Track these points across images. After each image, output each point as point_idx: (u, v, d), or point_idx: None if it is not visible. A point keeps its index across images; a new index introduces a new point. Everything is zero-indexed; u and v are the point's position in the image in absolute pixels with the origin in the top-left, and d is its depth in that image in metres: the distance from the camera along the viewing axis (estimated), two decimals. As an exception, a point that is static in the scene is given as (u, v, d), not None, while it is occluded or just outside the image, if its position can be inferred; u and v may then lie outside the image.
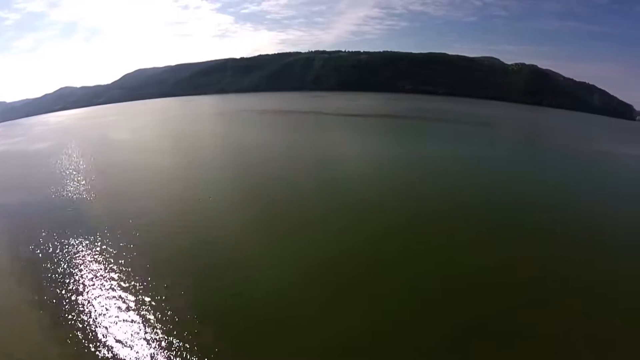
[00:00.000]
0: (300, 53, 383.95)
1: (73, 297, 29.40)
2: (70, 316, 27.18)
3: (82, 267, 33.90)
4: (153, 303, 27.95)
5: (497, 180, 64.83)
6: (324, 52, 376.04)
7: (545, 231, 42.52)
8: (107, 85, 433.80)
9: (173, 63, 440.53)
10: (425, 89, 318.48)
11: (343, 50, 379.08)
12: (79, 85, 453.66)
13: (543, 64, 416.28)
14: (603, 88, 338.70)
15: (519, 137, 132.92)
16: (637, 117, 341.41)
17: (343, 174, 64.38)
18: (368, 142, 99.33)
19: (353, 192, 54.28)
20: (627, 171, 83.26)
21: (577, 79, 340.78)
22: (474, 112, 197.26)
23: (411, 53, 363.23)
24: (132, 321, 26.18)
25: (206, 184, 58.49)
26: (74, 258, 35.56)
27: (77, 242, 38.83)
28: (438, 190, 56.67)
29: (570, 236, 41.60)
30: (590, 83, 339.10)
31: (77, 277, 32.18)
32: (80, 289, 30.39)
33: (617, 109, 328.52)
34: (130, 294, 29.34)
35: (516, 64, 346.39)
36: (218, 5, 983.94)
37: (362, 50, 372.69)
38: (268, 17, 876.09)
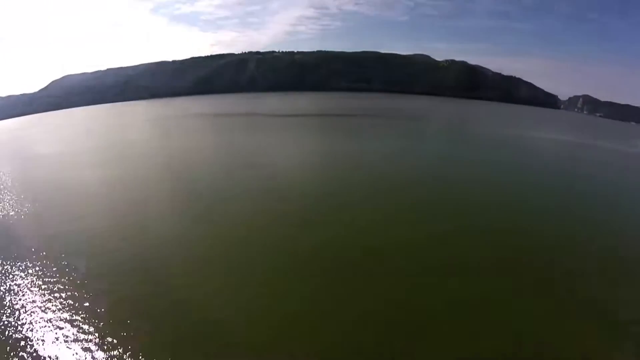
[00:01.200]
0: (233, 54, 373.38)
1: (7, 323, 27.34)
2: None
3: (16, 291, 31.24)
4: (93, 328, 26.23)
5: (429, 172, 69.07)
6: (257, 52, 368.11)
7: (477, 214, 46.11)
8: (34, 93, 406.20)
9: (103, 67, 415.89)
10: (360, 86, 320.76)
11: (277, 50, 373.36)
12: (4, 95, 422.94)
13: (472, 60, 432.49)
14: (529, 81, 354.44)
15: (449, 127, 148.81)
16: (562, 106, 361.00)
17: (280, 177, 62.74)
18: (306, 142, 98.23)
19: (294, 195, 52.96)
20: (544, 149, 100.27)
21: (504, 74, 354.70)
22: (407, 107, 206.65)
23: (345, 52, 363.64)
24: (72, 350, 24.37)
25: (142, 197, 54.52)
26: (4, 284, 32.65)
27: (8, 267, 35.27)
28: (386, 185, 58.32)
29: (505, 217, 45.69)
30: (517, 77, 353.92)
31: (11, 303, 29.74)
32: (16, 315, 28.13)
33: (543, 100, 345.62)
34: (70, 320, 27.09)
35: (446, 60, 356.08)
36: (151, 6, 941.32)
37: (297, 51, 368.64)
38: (202, 17, 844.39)
